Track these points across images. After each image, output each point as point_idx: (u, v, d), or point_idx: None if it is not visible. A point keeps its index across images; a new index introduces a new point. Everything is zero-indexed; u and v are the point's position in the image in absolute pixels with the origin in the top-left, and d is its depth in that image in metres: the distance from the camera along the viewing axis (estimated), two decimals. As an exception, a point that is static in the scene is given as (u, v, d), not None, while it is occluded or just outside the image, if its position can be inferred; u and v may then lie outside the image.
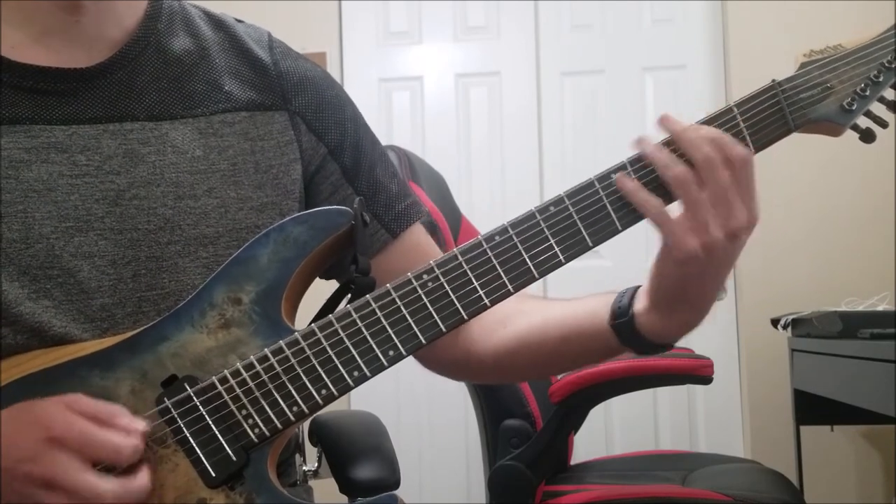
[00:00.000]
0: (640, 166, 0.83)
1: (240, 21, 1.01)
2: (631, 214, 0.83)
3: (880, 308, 2.34)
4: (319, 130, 0.98)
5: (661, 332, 0.86)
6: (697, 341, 2.86)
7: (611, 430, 3.00)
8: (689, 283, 0.83)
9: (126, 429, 0.76)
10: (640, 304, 0.87)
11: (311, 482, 1.15)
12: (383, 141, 2.66)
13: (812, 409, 2.45)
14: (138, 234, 0.86)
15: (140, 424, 0.77)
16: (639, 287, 0.88)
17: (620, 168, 0.84)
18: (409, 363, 1.00)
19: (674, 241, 0.80)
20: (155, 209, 0.86)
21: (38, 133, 0.85)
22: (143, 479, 0.76)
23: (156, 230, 0.86)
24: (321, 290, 0.92)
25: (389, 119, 3.18)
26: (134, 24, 0.91)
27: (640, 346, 0.88)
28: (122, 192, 0.86)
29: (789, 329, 2.45)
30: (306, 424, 1.20)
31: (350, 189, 0.98)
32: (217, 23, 0.99)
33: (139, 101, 0.89)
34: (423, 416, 3.05)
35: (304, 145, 0.96)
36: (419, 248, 1.00)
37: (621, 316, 0.87)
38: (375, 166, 1.01)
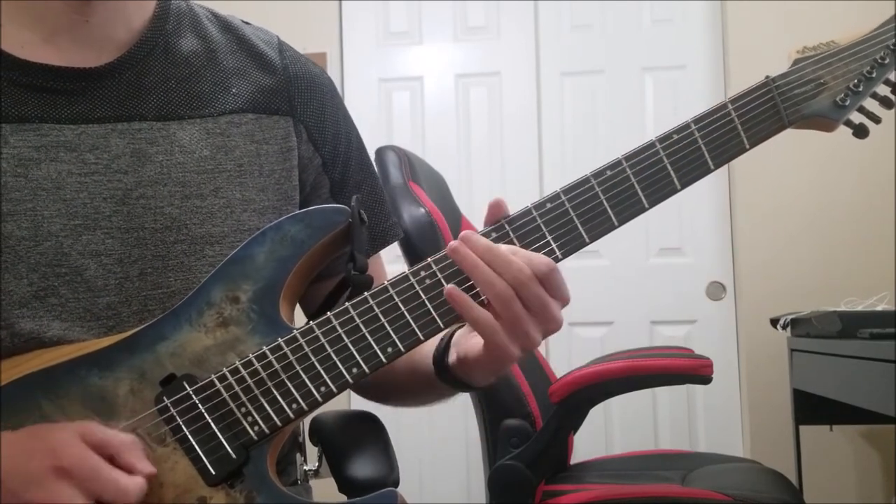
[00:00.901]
0: (637, 161, 0.84)
1: (247, 23, 1.02)
2: (628, 210, 0.84)
3: (880, 308, 2.34)
4: (318, 141, 0.99)
5: (476, 379, 0.88)
6: (697, 341, 2.90)
7: (610, 430, 3.01)
8: (488, 372, 0.85)
9: (133, 468, 0.75)
10: (452, 357, 0.88)
11: (312, 481, 1.15)
12: (383, 141, 2.68)
13: (811, 408, 2.45)
14: (145, 232, 0.86)
15: (147, 467, 0.77)
16: (452, 336, 0.89)
17: (616, 164, 0.84)
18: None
19: (498, 350, 0.81)
20: (162, 208, 0.87)
21: (48, 132, 0.85)
22: None
23: (162, 229, 0.87)
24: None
25: (389, 119, 3.18)
26: (142, 25, 0.92)
27: (464, 388, 0.90)
28: (129, 191, 0.86)
29: (789, 329, 2.46)
30: (307, 423, 1.20)
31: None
32: (225, 24, 0.99)
33: (147, 101, 0.90)
34: (423, 416, 3.04)
35: (302, 153, 0.97)
36: (375, 274, 1.01)
37: (439, 367, 0.89)
38: (361, 185, 1.02)
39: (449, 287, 0.80)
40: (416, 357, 0.92)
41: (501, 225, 0.83)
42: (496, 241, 0.82)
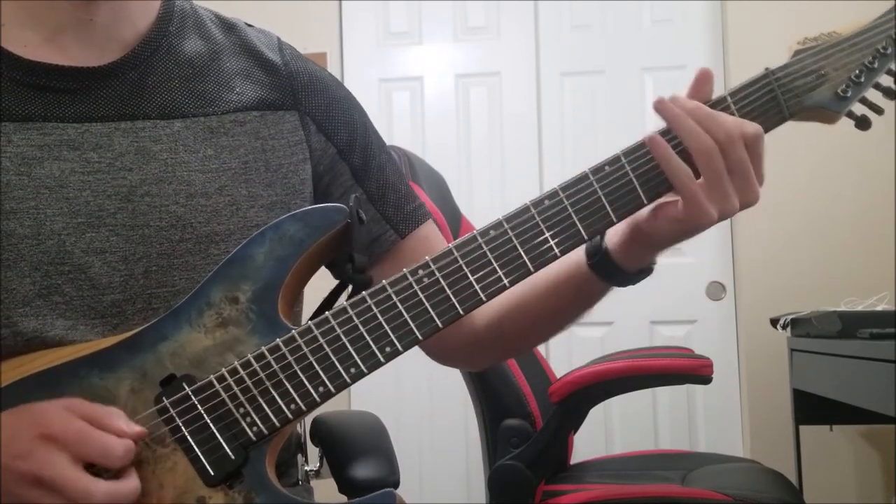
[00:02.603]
0: (637, 157, 0.83)
1: (250, 25, 1.02)
2: (626, 206, 0.84)
3: (879, 308, 2.34)
4: (329, 131, 0.98)
5: (634, 262, 0.89)
6: (697, 341, 2.89)
7: (610, 430, 3.01)
8: (676, 238, 0.86)
9: (121, 431, 0.76)
10: (612, 241, 0.88)
11: (313, 482, 1.15)
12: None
13: (811, 408, 2.45)
14: (150, 230, 0.86)
15: (135, 428, 0.77)
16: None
17: (615, 160, 0.84)
18: (410, 362, 1.00)
19: (696, 209, 0.81)
20: (166, 206, 0.87)
21: (51, 130, 0.85)
22: (133, 482, 0.76)
23: (167, 227, 0.87)
24: (318, 286, 0.92)
25: (389, 119, 3.18)
26: (146, 26, 0.92)
27: (619, 278, 0.90)
28: (133, 189, 0.86)
29: (788, 329, 2.45)
30: (308, 424, 1.20)
31: (360, 190, 0.99)
32: (228, 26, 1.00)
33: (151, 99, 0.90)
34: (423, 416, 3.05)
35: (313, 145, 0.97)
36: (427, 241, 1.01)
37: (595, 254, 0.89)
38: (385, 167, 1.02)
39: (651, 135, 0.82)
40: (552, 276, 0.92)
41: (500, 223, 0.83)
42: (494, 238, 0.82)
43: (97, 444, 0.74)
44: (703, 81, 0.85)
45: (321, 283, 0.92)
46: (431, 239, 1.02)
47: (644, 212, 0.85)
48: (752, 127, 0.81)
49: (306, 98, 0.98)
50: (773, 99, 0.85)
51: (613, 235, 0.88)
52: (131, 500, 0.75)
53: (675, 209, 0.83)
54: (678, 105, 0.82)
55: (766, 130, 0.85)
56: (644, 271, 0.90)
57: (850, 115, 0.88)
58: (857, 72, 0.86)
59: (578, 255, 0.90)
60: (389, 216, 0.99)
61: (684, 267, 3.02)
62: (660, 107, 0.82)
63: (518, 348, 1.09)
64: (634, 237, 0.86)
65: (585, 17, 3.13)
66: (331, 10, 3.20)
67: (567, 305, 0.95)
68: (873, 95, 0.88)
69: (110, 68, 0.89)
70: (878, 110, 0.88)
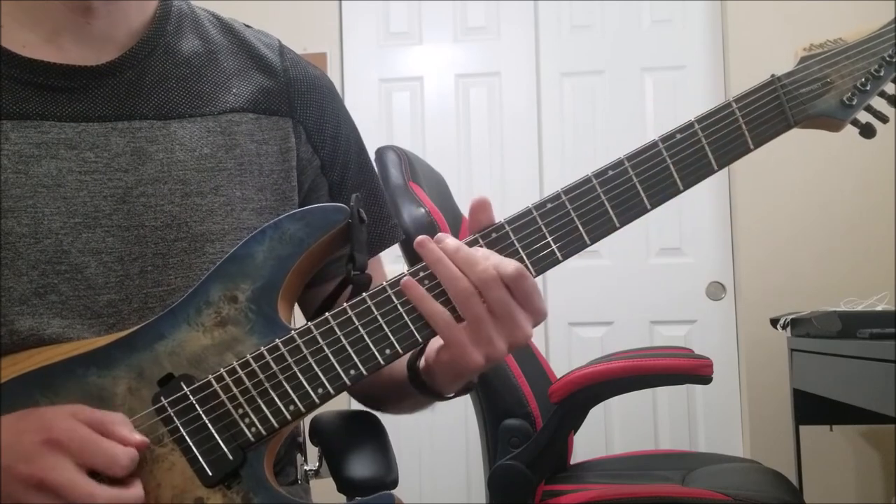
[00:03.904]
0: (640, 161, 0.83)
1: (248, 26, 1.02)
2: (629, 211, 0.83)
3: (879, 308, 2.34)
4: (317, 143, 0.99)
5: (443, 387, 0.87)
6: (697, 341, 2.90)
7: (610, 430, 3.01)
8: (454, 379, 0.85)
9: (126, 440, 0.76)
10: (423, 361, 0.87)
11: (312, 482, 1.15)
12: (383, 141, 2.67)
13: (811, 408, 2.45)
14: (145, 230, 0.86)
15: (139, 437, 0.77)
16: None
17: (618, 164, 0.83)
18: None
19: (459, 353, 0.79)
20: (162, 206, 0.87)
21: (48, 129, 0.85)
22: (137, 490, 0.76)
23: (163, 227, 0.87)
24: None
25: (389, 119, 3.18)
26: (143, 26, 0.92)
27: (437, 395, 0.88)
28: (129, 190, 0.86)
29: (788, 329, 2.45)
30: (308, 423, 1.20)
31: None
32: (226, 27, 1.00)
33: (147, 100, 0.90)
34: (423, 416, 3.03)
35: (301, 155, 0.97)
36: (375, 274, 1.01)
37: (412, 370, 0.88)
38: (360, 187, 1.02)
39: (405, 278, 0.80)
40: (395, 364, 0.92)
41: (501, 225, 0.82)
42: (496, 240, 0.82)
43: (102, 451, 0.74)
44: (477, 210, 0.82)
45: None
46: (378, 275, 1.02)
47: (431, 346, 0.84)
48: (511, 267, 0.78)
49: (301, 107, 0.98)
50: (779, 107, 0.85)
51: (422, 359, 0.87)
52: None
53: (441, 351, 0.82)
54: (441, 246, 0.80)
55: (771, 138, 0.85)
56: (459, 392, 0.89)
57: (855, 122, 0.88)
58: (863, 80, 0.86)
59: (403, 366, 0.89)
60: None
61: (684, 267, 3.02)
62: (420, 249, 0.80)
63: (380, 411, 1.10)
64: (428, 369, 0.86)
65: (585, 17, 3.13)
66: (331, 10, 3.20)
67: (402, 397, 0.97)
68: (878, 103, 0.88)
69: (107, 68, 0.89)
70: (883, 119, 0.87)
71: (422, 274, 0.81)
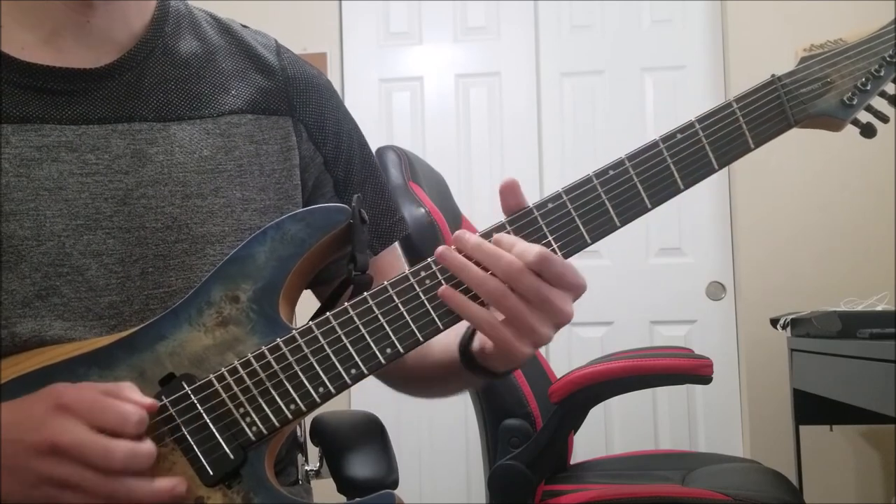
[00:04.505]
0: (640, 160, 0.83)
1: (245, 27, 1.02)
2: (630, 211, 0.83)
3: (879, 308, 2.34)
4: (318, 140, 0.99)
5: (498, 367, 0.86)
6: (697, 341, 2.90)
7: (610, 430, 3.01)
8: (505, 367, 0.85)
9: (135, 400, 0.76)
10: (476, 345, 0.87)
11: (313, 482, 1.15)
12: (383, 141, 2.67)
13: (811, 408, 2.45)
14: (146, 232, 0.86)
15: (147, 399, 0.77)
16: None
17: (618, 164, 0.83)
18: (408, 362, 1.00)
19: (506, 349, 0.79)
20: (162, 208, 0.87)
21: (49, 132, 0.85)
22: (150, 445, 0.75)
23: (163, 229, 0.87)
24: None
25: (389, 119, 3.18)
26: (142, 27, 0.92)
27: (489, 376, 0.88)
28: (130, 192, 0.87)
29: (788, 329, 2.45)
30: (308, 423, 1.20)
31: (341, 203, 0.99)
32: (224, 27, 1.00)
33: (147, 101, 0.90)
34: (423, 415, 3.04)
35: (303, 153, 0.97)
36: (390, 268, 1.02)
37: (464, 354, 0.88)
38: (365, 182, 1.02)
39: (442, 288, 0.80)
40: (440, 346, 0.92)
41: (502, 225, 0.83)
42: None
43: (112, 410, 0.74)
44: (507, 193, 0.82)
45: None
46: (395, 266, 1.03)
47: (482, 337, 0.84)
48: (533, 252, 0.77)
49: (301, 105, 0.98)
50: (779, 106, 0.85)
51: (475, 343, 0.87)
52: (149, 464, 0.75)
53: (492, 347, 0.82)
54: (461, 246, 0.79)
55: (772, 137, 0.85)
56: (513, 369, 0.89)
57: (856, 122, 0.88)
58: (864, 80, 0.86)
59: (454, 347, 0.89)
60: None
61: (684, 267, 3.02)
62: (443, 261, 0.80)
63: (422, 396, 1.10)
64: (481, 354, 0.85)
65: (585, 17, 3.13)
66: (331, 10, 3.20)
67: (452, 381, 0.97)
68: (878, 103, 0.88)
69: (107, 70, 0.89)
70: (884, 118, 0.88)
71: (423, 273, 0.82)
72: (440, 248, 0.80)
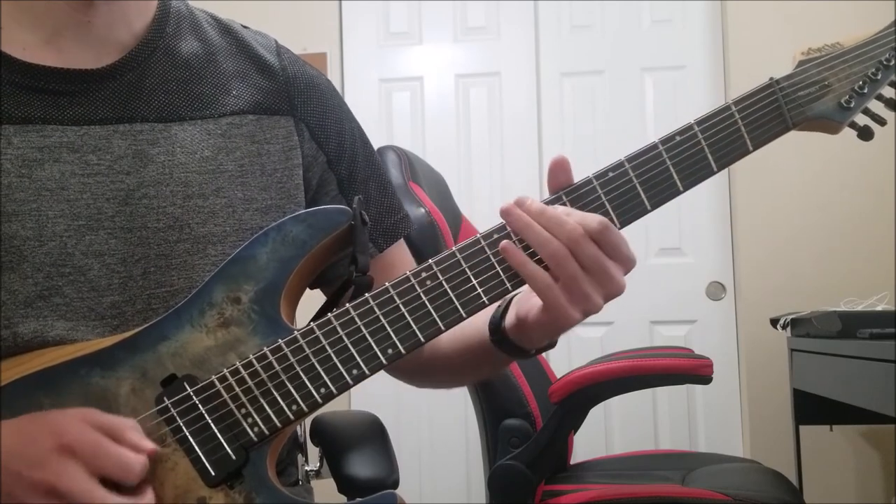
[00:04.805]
0: (640, 162, 0.83)
1: (245, 27, 1.02)
2: (629, 212, 0.84)
3: (879, 308, 2.34)
4: (321, 139, 0.99)
5: (530, 344, 0.88)
6: (697, 341, 2.90)
7: (610, 430, 3.01)
8: (548, 336, 0.86)
9: (137, 446, 0.76)
10: (509, 322, 0.88)
11: (314, 482, 1.15)
12: (383, 141, 2.67)
13: (811, 408, 2.45)
14: (148, 232, 0.87)
15: (150, 444, 0.77)
16: (512, 299, 0.89)
17: (618, 166, 0.84)
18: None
19: (557, 313, 0.80)
20: (164, 208, 0.87)
21: (51, 133, 0.86)
22: (149, 497, 0.76)
23: (165, 229, 0.87)
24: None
25: (389, 119, 3.18)
26: (143, 28, 0.92)
27: (520, 354, 0.89)
28: (131, 192, 0.87)
29: (788, 329, 2.46)
30: (308, 424, 1.20)
31: (345, 201, 0.99)
32: (224, 28, 1.00)
33: (148, 102, 0.90)
34: (423, 416, 3.05)
35: (305, 152, 0.97)
36: (400, 263, 1.02)
37: (495, 332, 0.89)
38: (369, 180, 1.02)
39: (504, 242, 0.81)
40: (466, 330, 0.92)
41: (503, 225, 0.83)
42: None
43: (115, 459, 0.74)
44: (557, 170, 0.83)
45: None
46: (404, 263, 1.03)
47: (524, 306, 0.84)
48: (595, 221, 0.79)
49: (302, 104, 0.98)
50: (777, 109, 0.86)
51: (510, 317, 0.87)
52: None
53: (539, 312, 0.82)
54: (525, 209, 0.81)
55: (770, 140, 0.85)
56: (545, 347, 0.90)
57: (853, 125, 0.89)
58: (861, 83, 0.87)
59: (485, 325, 0.90)
60: (370, 229, 0.99)
61: (684, 267, 3.02)
62: (506, 216, 0.81)
63: (444, 386, 1.10)
64: (521, 326, 0.86)
65: (585, 17, 3.13)
66: (331, 10, 3.20)
67: (480, 362, 0.98)
68: (875, 106, 0.89)
69: (108, 70, 0.89)
70: (881, 121, 0.88)
71: (424, 274, 0.82)
72: (505, 205, 0.81)
